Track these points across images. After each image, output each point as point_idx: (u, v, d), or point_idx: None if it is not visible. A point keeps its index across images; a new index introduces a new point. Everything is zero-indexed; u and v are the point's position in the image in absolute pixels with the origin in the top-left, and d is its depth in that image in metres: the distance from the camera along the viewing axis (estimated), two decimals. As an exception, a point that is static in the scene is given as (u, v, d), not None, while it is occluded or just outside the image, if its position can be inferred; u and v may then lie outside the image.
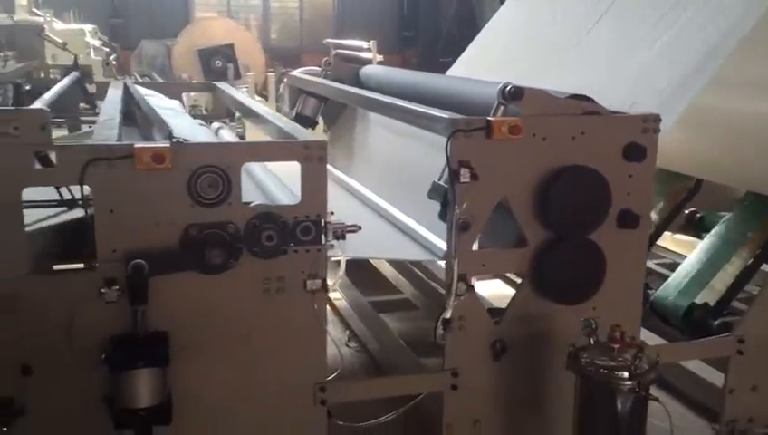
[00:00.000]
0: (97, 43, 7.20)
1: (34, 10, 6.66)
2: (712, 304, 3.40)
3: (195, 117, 4.79)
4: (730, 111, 3.33)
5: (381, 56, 5.94)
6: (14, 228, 2.13)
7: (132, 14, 14.24)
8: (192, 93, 6.71)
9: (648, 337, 3.06)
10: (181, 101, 4.75)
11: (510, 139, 2.46)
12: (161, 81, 7.43)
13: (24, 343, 2.19)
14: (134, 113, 3.72)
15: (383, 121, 4.03)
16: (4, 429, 2.16)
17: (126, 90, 4.15)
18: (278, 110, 7.39)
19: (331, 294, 3.40)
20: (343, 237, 2.40)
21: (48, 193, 2.56)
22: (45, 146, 2.13)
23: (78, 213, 2.37)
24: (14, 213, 2.12)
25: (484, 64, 4.37)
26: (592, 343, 2.29)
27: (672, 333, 3.45)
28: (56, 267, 2.44)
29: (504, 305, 2.73)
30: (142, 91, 4.09)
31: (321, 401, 2.48)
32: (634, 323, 2.70)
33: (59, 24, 6.91)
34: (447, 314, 2.53)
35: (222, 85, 5.01)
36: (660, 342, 3.23)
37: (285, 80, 7.19)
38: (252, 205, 2.35)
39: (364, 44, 7.19)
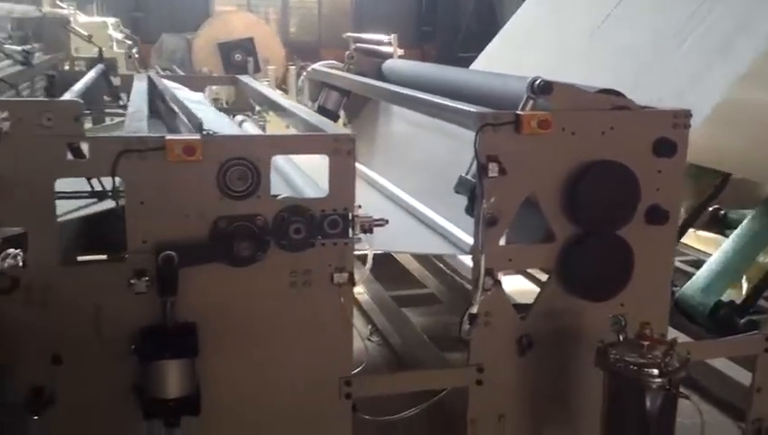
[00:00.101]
0: (119, 36, 7.24)
1: (59, 2, 6.70)
2: (738, 302, 3.37)
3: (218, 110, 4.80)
4: (763, 106, 3.29)
5: (402, 50, 5.92)
6: (46, 219, 2.14)
7: (153, 8, 14.31)
8: (213, 87, 6.74)
9: (673, 335, 3.04)
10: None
11: (539, 133, 2.45)
12: (182, 74, 7.45)
13: (55, 333, 2.21)
14: (158, 106, 3.73)
15: (406, 115, 4.02)
16: (35, 417, 2.18)
17: (150, 82, 4.17)
18: (298, 103, 7.39)
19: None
20: (371, 231, 2.40)
21: (75, 184, 2.58)
22: (78, 137, 2.14)
23: (107, 204, 2.38)
24: (46, 204, 2.14)
25: (508, 59, 4.35)
26: (621, 339, 2.27)
27: (697, 331, 3.42)
28: (80, 258, 2.46)
29: (525, 301, 2.72)
30: (168, 84, 4.10)
31: (347, 394, 2.48)
32: (662, 320, 2.68)
33: (82, 17, 6.96)
34: (474, 310, 2.52)
35: (245, 78, 5.02)
36: (685, 339, 3.21)
37: (305, 73, 7.19)
38: (280, 198, 2.36)
39: (385, 38, 7.16)
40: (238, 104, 6.12)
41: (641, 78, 3.27)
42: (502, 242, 2.57)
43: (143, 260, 2.21)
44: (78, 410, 2.25)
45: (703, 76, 3.11)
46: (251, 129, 4.09)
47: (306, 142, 2.50)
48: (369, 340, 3.89)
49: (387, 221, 2.45)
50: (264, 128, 5.72)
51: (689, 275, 3.78)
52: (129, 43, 7.19)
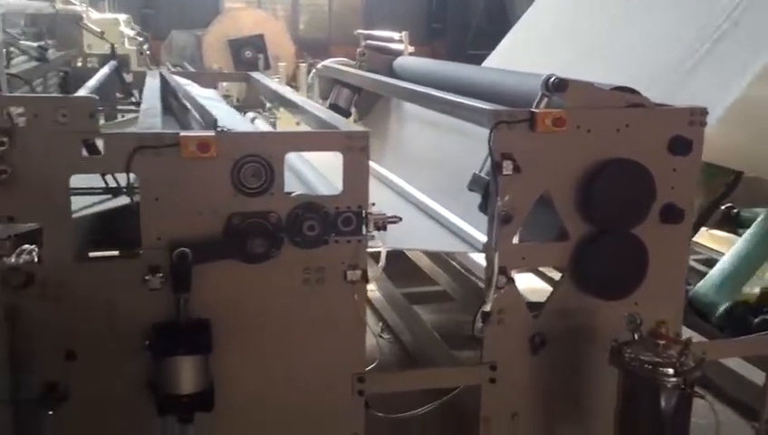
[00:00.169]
0: (131, 32, 7.26)
1: (71, -1, 6.75)
2: (752, 301, 3.36)
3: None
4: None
5: (413, 48, 5.90)
6: (61, 215, 2.15)
7: (163, 5, 14.34)
8: (224, 83, 6.74)
9: (686, 334, 3.03)
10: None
11: (554, 131, 2.43)
12: (193, 71, 7.47)
13: (69, 329, 2.21)
14: (170, 102, 3.74)
15: (418, 112, 4.02)
16: (50, 413, 2.19)
17: (162, 79, 4.18)
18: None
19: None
20: (384, 228, 2.40)
21: (89, 180, 2.58)
22: (93, 133, 2.14)
23: (121, 201, 2.39)
24: (61, 200, 2.14)
25: (520, 56, 4.34)
26: (636, 338, 2.26)
27: (710, 329, 3.40)
28: (92, 254, 2.47)
29: (536, 299, 2.71)
30: (180, 80, 4.11)
31: (360, 391, 2.48)
32: (676, 319, 2.66)
33: (94, 14, 6.98)
34: (487, 307, 2.52)
35: (256, 75, 5.02)
36: (698, 338, 3.19)
37: (315, 70, 7.19)
38: (293, 195, 2.36)
39: (395, 36, 7.13)
40: (249, 101, 6.13)
41: (655, 76, 3.25)
42: (515, 240, 2.56)
43: (157, 256, 2.21)
44: (92, 405, 2.25)
45: (717, 74, 3.09)
46: (263, 126, 4.10)
47: (320, 139, 2.50)
48: (380, 337, 3.89)
49: (400, 218, 2.45)
50: (274, 125, 5.73)
51: (702, 274, 3.76)
52: (141, 39, 7.21)
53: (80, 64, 5.25)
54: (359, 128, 2.49)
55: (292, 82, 9.56)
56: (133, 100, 4.71)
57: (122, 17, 7.55)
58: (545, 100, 2.50)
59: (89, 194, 2.38)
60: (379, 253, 2.44)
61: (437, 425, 2.81)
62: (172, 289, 2.22)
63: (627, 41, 3.55)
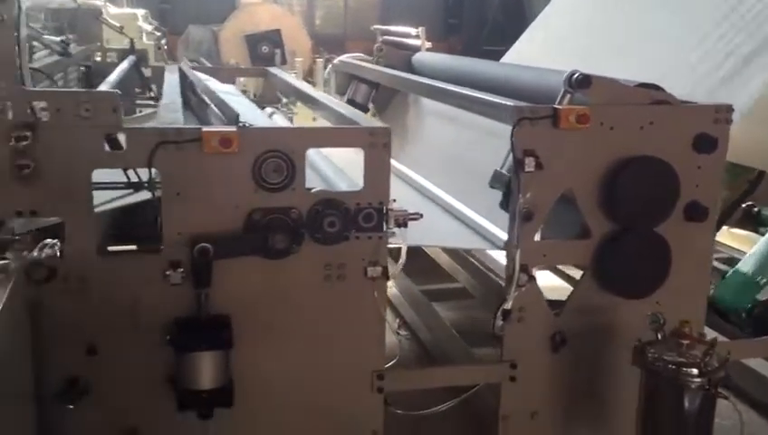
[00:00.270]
0: (149, 27, 7.28)
1: (90, -6, 6.76)
2: (772, 300, 3.30)
3: (246, 102, 4.80)
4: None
5: (430, 43, 5.88)
6: (83, 210, 2.15)
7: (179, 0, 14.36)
8: (241, 78, 6.75)
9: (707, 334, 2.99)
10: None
11: (577, 128, 2.41)
12: (210, 65, 7.48)
13: (90, 324, 2.22)
14: (188, 97, 3.74)
15: (436, 108, 4.00)
16: (70, 407, 2.20)
17: (181, 74, 4.18)
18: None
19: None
20: (405, 225, 2.38)
21: (110, 175, 2.58)
22: (116, 128, 2.14)
23: (143, 196, 2.39)
24: (84, 194, 2.14)
25: (538, 54, 4.30)
26: (659, 338, 2.24)
27: (731, 329, 3.36)
28: (110, 248, 2.47)
29: (554, 297, 2.69)
30: (199, 75, 4.11)
31: (379, 388, 2.47)
32: (699, 319, 2.63)
33: (113, 9, 7.00)
34: (508, 305, 2.50)
35: (274, 70, 5.02)
36: (719, 339, 3.15)
37: (331, 66, 7.17)
38: (314, 191, 2.35)
39: (412, 31, 7.10)
40: (266, 96, 6.13)
41: (677, 72, 3.22)
42: (537, 237, 2.54)
43: (178, 252, 2.21)
44: (112, 400, 2.26)
45: (740, 72, 3.05)
46: (281, 121, 4.09)
47: (342, 135, 2.49)
48: (398, 333, 3.88)
49: (421, 215, 2.43)
50: (291, 120, 5.73)
51: (722, 273, 3.72)
52: (159, 34, 7.22)
53: (99, 59, 5.27)
54: (381, 124, 2.47)
55: (308, 77, 9.55)
56: (151, 95, 4.73)
57: (140, 12, 7.57)
58: (568, 96, 2.47)
59: (111, 189, 2.38)
60: (397, 249, 2.42)
61: (456, 423, 2.80)
62: (193, 284, 2.22)
63: (653, 35, 3.51)
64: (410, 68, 4.50)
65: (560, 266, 3.95)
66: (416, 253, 3.80)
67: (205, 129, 2.19)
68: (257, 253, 2.27)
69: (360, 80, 4.62)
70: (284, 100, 6.46)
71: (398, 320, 3.99)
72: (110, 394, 2.25)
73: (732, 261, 3.92)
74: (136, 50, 5.10)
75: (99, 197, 2.33)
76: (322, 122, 3.76)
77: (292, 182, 2.26)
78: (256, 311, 2.32)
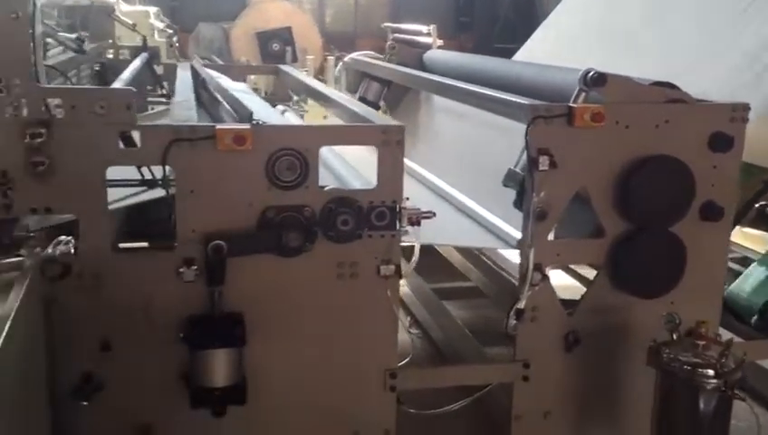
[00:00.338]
0: (160, 24, 7.30)
1: (104, -9, 6.78)
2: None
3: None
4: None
5: (441, 41, 5.86)
6: (98, 207, 2.16)
7: (190, -3, 14.37)
8: (252, 76, 6.76)
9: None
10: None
11: (592, 126, 2.40)
12: (221, 63, 7.49)
13: (104, 321, 2.22)
14: (200, 94, 3.74)
15: (448, 106, 3.98)
16: (85, 403, 2.20)
17: (193, 71, 4.19)
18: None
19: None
20: (418, 224, 2.37)
21: (123, 172, 2.59)
22: (131, 126, 2.15)
23: (156, 193, 2.39)
24: (98, 191, 2.15)
25: (552, 50, 4.28)
26: (675, 338, 2.22)
27: (745, 330, 3.33)
28: (122, 245, 2.47)
29: (566, 296, 2.68)
30: (212, 73, 4.11)
31: (391, 387, 2.46)
32: (713, 319, 2.61)
33: (125, 6, 7.02)
34: (521, 304, 2.49)
35: (286, 68, 5.02)
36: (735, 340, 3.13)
37: (341, 63, 7.17)
38: (327, 189, 2.34)
39: (424, 29, 7.09)
40: (277, 94, 6.14)
41: (693, 71, 3.20)
42: (550, 237, 2.52)
43: (192, 249, 2.21)
44: (125, 396, 2.26)
45: (754, 71, 3.03)
46: (293, 119, 4.09)
47: (355, 133, 2.48)
48: (409, 332, 3.87)
49: (434, 214, 2.43)
50: (301, 118, 5.73)
51: (736, 273, 3.69)
52: (170, 32, 7.24)
53: (111, 56, 5.28)
54: (394, 122, 2.46)
55: (318, 75, 9.55)
56: (163, 92, 4.73)
57: (152, 10, 7.59)
58: (583, 94, 2.46)
59: (124, 186, 2.38)
60: (408, 248, 2.42)
61: (469, 422, 2.79)
62: (206, 282, 2.22)
63: (666, 34, 3.49)
64: (422, 66, 4.49)
65: (571, 265, 3.93)
66: (427, 251, 3.80)
67: (218, 126, 2.19)
68: (271, 251, 2.27)
69: (372, 77, 4.61)
70: (295, 97, 6.46)
71: (409, 318, 3.99)
72: (123, 391, 2.26)
73: (746, 261, 3.89)
74: (148, 47, 5.11)
75: (112, 194, 2.34)
76: (333, 120, 3.75)
77: (305, 180, 2.25)
78: (269, 309, 2.32)
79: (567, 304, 2.62)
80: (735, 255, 4.39)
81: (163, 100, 4.53)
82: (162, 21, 7.92)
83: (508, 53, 4.79)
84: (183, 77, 3.83)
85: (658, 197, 2.47)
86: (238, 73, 4.99)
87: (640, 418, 2.49)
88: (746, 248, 4.42)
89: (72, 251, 2.19)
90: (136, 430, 2.29)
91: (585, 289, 2.81)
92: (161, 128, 2.23)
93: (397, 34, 5.42)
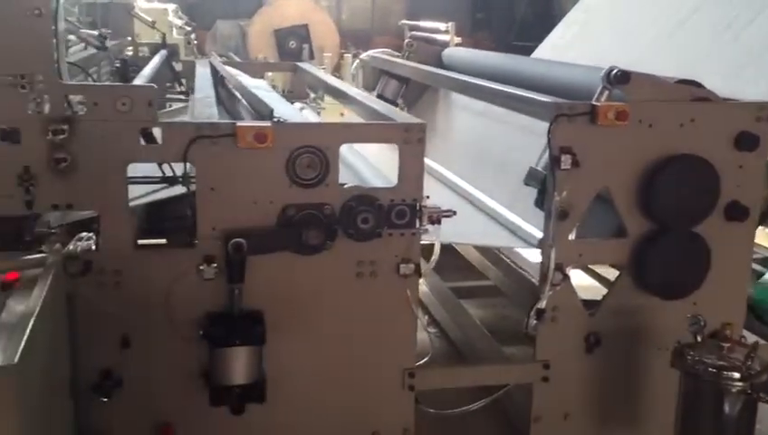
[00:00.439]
0: (179, 22, 7.33)
1: (124, -12, 6.81)
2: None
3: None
4: None
5: (460, 39, 5.84)
6: (119, 203, 2.16)
7: (208, -6, 14.41)
8: (269, 73, 6.75)
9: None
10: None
11: (615, 125, 2.37)
12: (239, 60, 7.51)
13: (124, 317, 2.23)
14: (218, 91, 3.74)
15: (467, 104, 3.96)
16: (105, 399, 2.21)
17: (212, 68, 4.19)
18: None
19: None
20: (438, 222, 2.36)
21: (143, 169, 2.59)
22: (152, 122, 2.15)
23: (176, 190, 2.39)
24: (119, 188, 2.15)
25: (572, 48, 4.24)
26: (699, 340, 2.19)
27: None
28: (140, 242, 2.47)
29: (585, 296, 2.65)
30: (231, 70, 4.11)
31: (410, 386, 2.45)
32: (738, 321, 2.57)
33: (143, 3, 7.05)
34: (542, 304, 2.47)
35: (305, 65, 5.01)
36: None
37: (357, 61, 7.16)
38: (347, 186, 2.33)
39: (441, 26, 7.06)
40: (294, 91, 6.12)
41: (714, 69, 3.15)
42: (571, 236, 2.50)
43: (212, 246, 2.21)
44: (145, 393, 2.27)
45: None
46: (311, 116, 4.08)
47: (377, 131, 2.46)
48: (427, 331, 3.85)
49: (455, 212, 2.41)
50: (319, 115, 5.72)
51: (758, 274, 3.65)
52: (188, 29, 7.27)
53: (130, 53, 5.30)
54: (416, 120, 2.45)
55: (335, 72, 9.54)
56: (181, 89, 4.74)
57: (171, 7, 7.62)
58: (606, 92, 2.43)
59: (145, 183, 2.38)
60: (426, 246, 2.40)
61: (486, 423, 2.77)
62: (227, 279, 2.21)
63: (693, 29, 3.44)
64: (441, 63, 4.47)
65: (590, 265, 3.90)
66: (444, 249, 3.78)
67: (239, 124, 2.18)
68: (290, 249, 2.26)
69: (390, 75, 4.59)
70: (312, 95, 6.45)
71: (426, 317, 3.97)
72: (142, 388, 2.26)
73: (767, 262, 3.84)
74: (167, 45, 5.12)
75: (133, 191, 2.34)
76: (350, 117, 3.74)
77: (325, 178, 2.24)
78: (288, 307, 2.31)
79: (587, 304, 2.60)
80: (758, 255, 4.34)
81: (182, 97, 4.54)
82: (180, 18, 7.94)
83: (526, 51, 4.75)
84: (203, 74, 3.83)
85: (682, 197, 2.44)
86: (257, 71, 4.99)
87: (662, 421, 2.46)
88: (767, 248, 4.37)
89: (93, 247, 2.19)
90: (155, 427, 2.29)
91: (604, 289, 2.78)
92: (183, 125, 2.23)
93: (414, 32, 5.39)
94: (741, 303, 2.64)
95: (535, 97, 2.63)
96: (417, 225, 2.35)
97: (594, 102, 2.39)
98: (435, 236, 2.37)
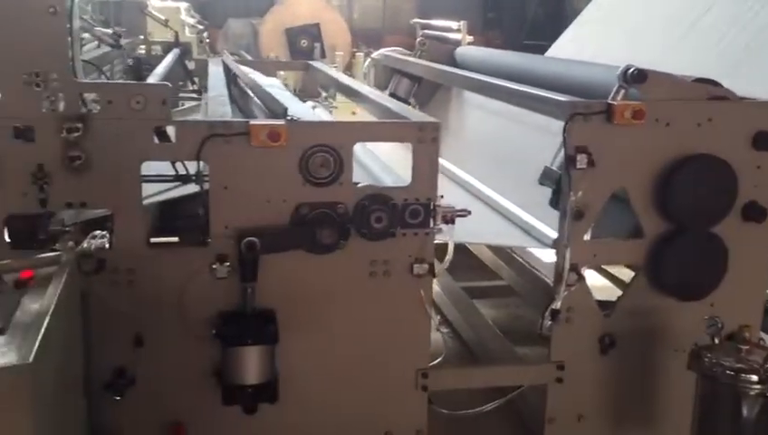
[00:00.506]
0: (191, 20, 7.34)
1: (136, -13, 6.83)
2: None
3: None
4: None
5: (472, 37, 5.81)
6: (132, 202, 2.15)
7: (220, -7, 14.43)
8: (281, 72, 6.76)
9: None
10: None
11: (632, 124, 2.34)
12: (251, 59, 7.52)
13: (137, 315, 2.22)
14: (231, 90, 3.74)
15: (480, 103, 3.94)
16: (118, 398, 2.21)
17: (225, 67, 4.19)
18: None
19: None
20: (452, 222, 2.34)
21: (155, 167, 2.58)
22: (166, 121, 2.14)
23: (189, 189, 2.39)
24: (133, 186, 2.15)
25: (585, 47, 4.21)
26: (716, 342, 2.16)
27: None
28: (153, 240, 2.46)
29: (599, 297, 2.62)
30: (244, 69, 4.11)
31: (423, 386, 2.44)
32: (755, 323, 2.54)
33: (156, 2, 7.07)
34: (556, 305, 2.45)
35: (317, 64, 5.01)
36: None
37: (369, 60, 7.13)
38: (361, 186, 2.32)
39: (453, 25, 7.02)
40: (306, 90, 6.12)
41: (729, 68, 3.12)
42: (587, 237, 2.48)
43: (225, 245, 2.20)
44: (157, 391, 2.26)
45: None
46: (324, 115, 4.07)
47: (391, 130, 2.45)
48: (438, 331, 3.83)
49: (469, 212, 2.39)
50: (331, 114, 5.72)
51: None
52: (201, 27, 7.28)
53: (143, 51, 5.32)
54: (430, 119, 2.43)
55: (347, 71, 9.53)
56: (194, 87, 4.75)
57: (183, 5, 7.63)
58: (622, 91, 2.40)
59: (158, 181, 2.38)
60: (440, 246, 2.38)
61: (500, 424, 2.75)
62: (240, 278, 2.21)
63: (706, 28, 3.41)
64: (453, 62, 4.45)
65: (604, 266, 3.87)
66: (456, 248, 3.75)
67: (252, 122, 2.17)
68: (303, 248, 2.25)
69: (402, 74, 4.58)
70: (324, 94, 6.44)
71: (438, 317, 3.95)
72: (155, 386, 2.26)
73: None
74: (180, 43, 5.13)
75: (146, 189, 2.34)
76: (362, 116, 3.73)
77: (339, 177, 2.23)
78: (301, 306, 2.30)
79: (602, 305, 2.58)
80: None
81: (194, 95, 4.54)
82: (192, 16, 7.95)
83: (538, 50, 4.73)
84: (216, 73, 3.83)
85: (700, 197, 2.41)
86: (269, 69, 4.99)
87: (678, 423, 2.44)
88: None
89: (107, 246, 2.19)
90: (167, 425, 2.28)
91: (618, 290, 2.76)
92: (196, 123, 2.23)
93: (426, 31, 5.38)
94: (759, 304, 2.61)
95: (551, 96, 2.61)
96: (431, 224, 2.33)
97: (610, 101, 2.36)
98: (448, 235, 2.35)
